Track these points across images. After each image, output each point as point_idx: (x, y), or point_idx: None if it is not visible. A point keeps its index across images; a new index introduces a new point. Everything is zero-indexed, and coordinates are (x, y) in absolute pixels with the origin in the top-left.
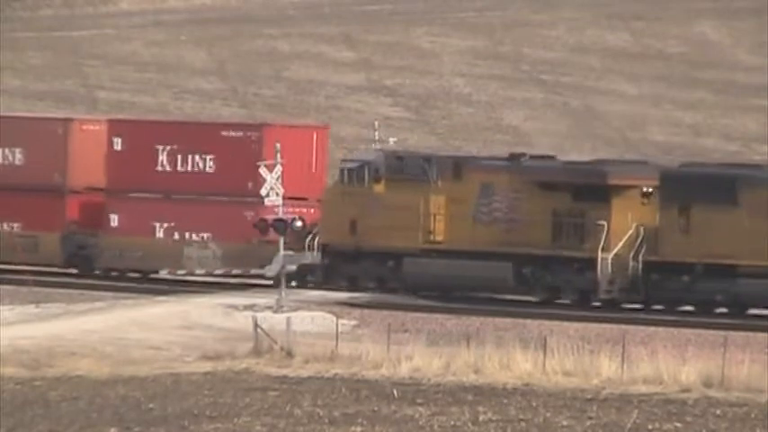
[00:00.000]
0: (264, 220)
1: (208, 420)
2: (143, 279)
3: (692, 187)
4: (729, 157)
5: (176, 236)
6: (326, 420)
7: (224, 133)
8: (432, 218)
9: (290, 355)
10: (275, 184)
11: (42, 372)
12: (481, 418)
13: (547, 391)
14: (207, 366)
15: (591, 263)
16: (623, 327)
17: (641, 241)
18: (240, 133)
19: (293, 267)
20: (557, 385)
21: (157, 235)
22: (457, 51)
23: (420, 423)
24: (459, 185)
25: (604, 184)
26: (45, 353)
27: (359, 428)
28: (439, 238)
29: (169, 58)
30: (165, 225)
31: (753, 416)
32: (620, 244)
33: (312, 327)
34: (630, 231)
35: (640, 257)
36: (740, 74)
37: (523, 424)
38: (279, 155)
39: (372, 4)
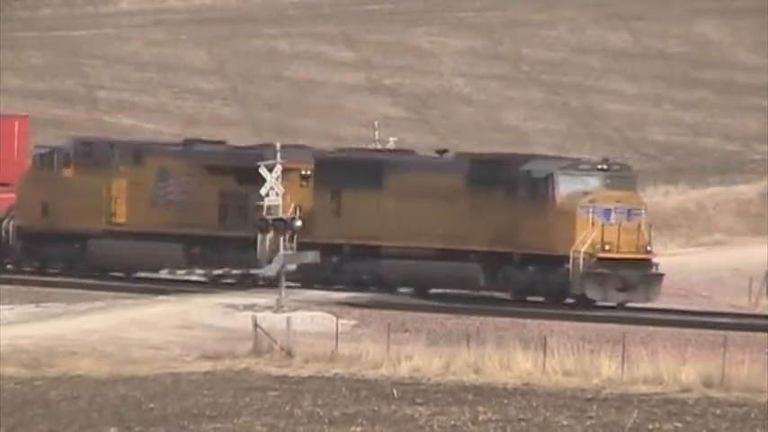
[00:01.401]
0: (265, 219)
1: (208, 420)
2: (143, 279)
3: (342, 171)
4: (729, 157)
5: None
6: (326, 420)
7: None
8: (114, 201)
9: (289, 354)
10: (275, 183)
11: (42, 371)
12: (481, 418)
13: (547, 390)
14: (207, 366)
15: (253, 242)
16: (623, 327)
17: None
18: None
19: (293, 267)
20: (557, 385)
21: None
22: (457, 51)
23: (420, 423)
24: (139, 170)
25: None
26: (45, 352)
27: (359, 428)
28: (120, 220)
29: (169, 58)
30: None
31: (753, 416)
32: None
33: (312, 326)
34: (288, 213)
35: (295, 238)
36: (740, 73)
37: (523, 424)
38: (279, 154)
39: (372, 3)
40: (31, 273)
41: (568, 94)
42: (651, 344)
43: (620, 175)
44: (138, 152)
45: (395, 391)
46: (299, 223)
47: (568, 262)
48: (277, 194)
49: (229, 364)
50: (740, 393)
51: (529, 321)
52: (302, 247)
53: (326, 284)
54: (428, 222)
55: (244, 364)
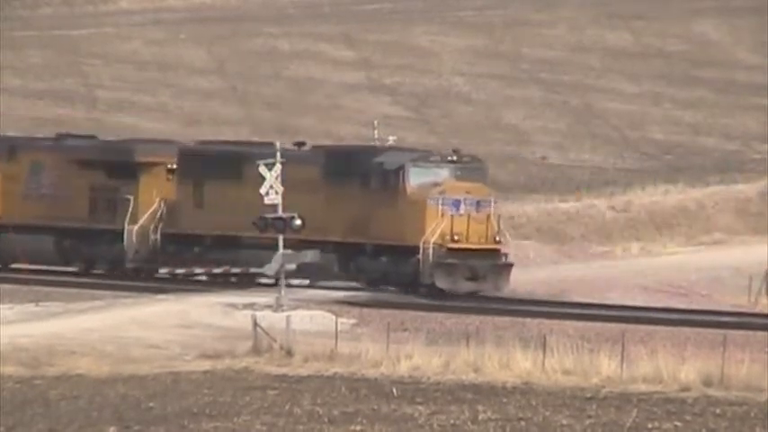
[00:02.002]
0: (264, 218)
1: (207, 419)
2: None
3: (204, 164)
4: (729, 156)
5: None
6: (326, 419)
7: None
8: None
9: (289, 353)
10: (275, 182)
11: (42, 370)
12: (480, 417)
13: (546, 389)
14: (206, 365)
15: (121, 235)
16: (623, 326)
17: (161, 215)
18: None
19: (293, 266)
20: (556, 384)
21: None
22: (456, 50)
23: (419, 422)
24: (13, 165)
25: (132, 162)
26: (45, 351)
27: (358, 427)
28: None
29: (169, 57)
30: None
31: (752, 415)
32: (145, 217)
33: (311, 325)
34: (155, 206)
35: (159, 229)
36: (740, 73)
37: (523, 423)
38: (279, 154)
39: (372, 3)
40: (31, 272)
41: (568, 94)
42: (651, 343)
43: (470, 167)
44: (13, 147)
45: (394, 390)
46: (298, 222)
47: (419, 252)
48: (277, 193)
49: (229, 363)
50: (740, 392)
51: (528, 321)
52: (165, 237)
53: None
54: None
55: (243, 363)
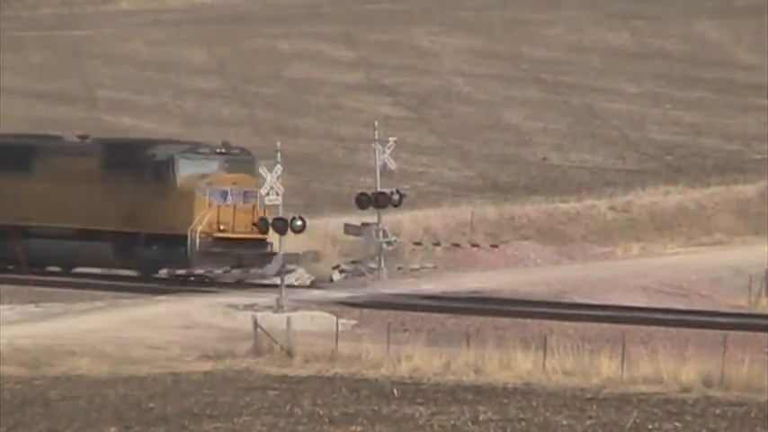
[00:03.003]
0: (265, 219)
1: (208, 420)
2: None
3: None
4: (729, 157)
5: None
6: (326, 420)
7: None
8: None
9: (289, 354)
10: (275, 183)
11: (42, 371)
12: (481, 418)
13: (547, 390)
14: (207, 366)
15: None
16: (623, 326)
17: None
18: None
19: (293, 267)
20: (557, 385)
21: None
22: (456, 50)
23: (420, 422)
24: None
25: None
26: (45, 352)
27: (359, 428)
28: None
29: (169, 57)
30: None
31: (753, 415)
32: None
33: (312, 326)
34: None
35: None
36: (740, 73)
37: (523, 423)
38: (278, 154)
39: (372, 3)
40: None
41: (568, 94)
42: (651, 343)
43: (238, 159)
44: None
45: (395, 391)
46: (299, 223)
47: (188, 241)
48: (277, 194)
49: (229, 363)
50: (740, 393)
51: (529, 321)
52: None
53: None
54: (69, 204)
55: (244, 363)
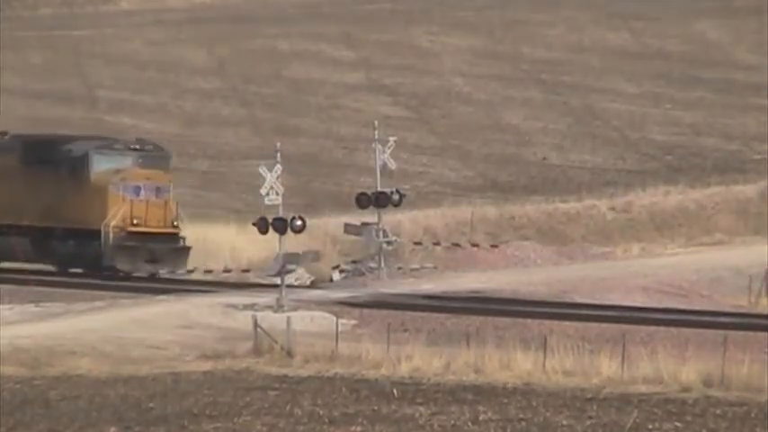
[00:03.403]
0: (264, 219)
1: (208, 420)
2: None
3: None
4: (729, 157)
5: None
6: (326, 420)
7: None
8: None
9: (289, 354)
10: (275, 183)
11: (42, 371)
12: (481, 418)
13: (547, 390)
14: (207, 365)
15: None
16: (623, 326)
17: None
18: None
19: (293, 267)
20: (557, 385)
21: None
22: (456, 50)
23: (420, 422)
24: None
25: None
26: (45, 352)
27: (359, 428)
28: None
29: (169, 58)
30: None
31: (753, 415)
32: None
33: (312, 326)
34: None
35: None
36: (740, 73)
37: (523, 423)
38: (279, 154)
39: (372, 3)
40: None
41: (568, 94)
42: (651, 343)
43: (152, 156)
44: None
45: (395, 391)
46: (299, 222)
47: (101, 236)
48: (277, 194)
49: (229, 363)
50: (740, 393)
51: (529, 321)
52: None
53: None
54: None
55: (244, 363)
